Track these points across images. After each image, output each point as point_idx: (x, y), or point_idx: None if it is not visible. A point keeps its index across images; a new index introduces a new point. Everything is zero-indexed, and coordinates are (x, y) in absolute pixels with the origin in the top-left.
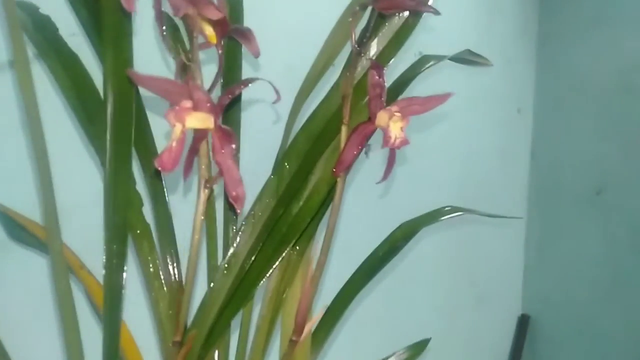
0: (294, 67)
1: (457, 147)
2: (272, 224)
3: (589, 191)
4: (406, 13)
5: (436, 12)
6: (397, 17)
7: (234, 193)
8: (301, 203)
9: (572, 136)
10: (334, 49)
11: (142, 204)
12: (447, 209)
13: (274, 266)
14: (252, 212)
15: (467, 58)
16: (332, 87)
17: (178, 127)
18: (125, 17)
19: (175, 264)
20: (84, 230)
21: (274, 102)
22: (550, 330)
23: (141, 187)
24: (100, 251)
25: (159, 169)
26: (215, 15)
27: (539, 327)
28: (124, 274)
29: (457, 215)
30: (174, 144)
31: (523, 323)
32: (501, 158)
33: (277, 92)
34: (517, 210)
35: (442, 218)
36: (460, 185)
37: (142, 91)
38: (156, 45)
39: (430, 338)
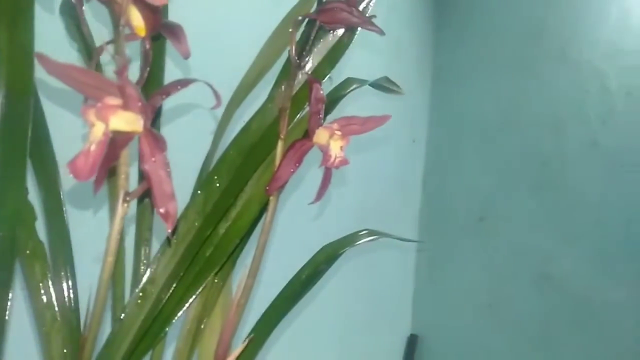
0: (224, 74)
1: (357, 173)
2: (197, 246)
3: (473, 218)
4: (340, 31)
5: (381, 32)
6: (331, 34)
7: (163, 209)
8: (229, 223)
9: (459, 167)
10: (269, 58)
11: (35, 219)
12: (364, 232)
13: (196, 294)
14: (175, 233)
15: (384, 85)
16: (267, 99)
17: (99, 128)
18: None
19: (72, 292)
20: None
21: (213, 108)
22: (437, 349)
23: (34, 197)
24: None
25: (73, 176)
26: (159, 0)
27: (426, 346)
28: (8, 303)
29: (375, 239)
30: (93, 147)
31: (412, 342)
32: (396, 185)
33: (217, 96)
34: (410, 235)
35: (361, 241)
36: (360, 210)
37: (42, 82)
38: (62, 31)
39: None
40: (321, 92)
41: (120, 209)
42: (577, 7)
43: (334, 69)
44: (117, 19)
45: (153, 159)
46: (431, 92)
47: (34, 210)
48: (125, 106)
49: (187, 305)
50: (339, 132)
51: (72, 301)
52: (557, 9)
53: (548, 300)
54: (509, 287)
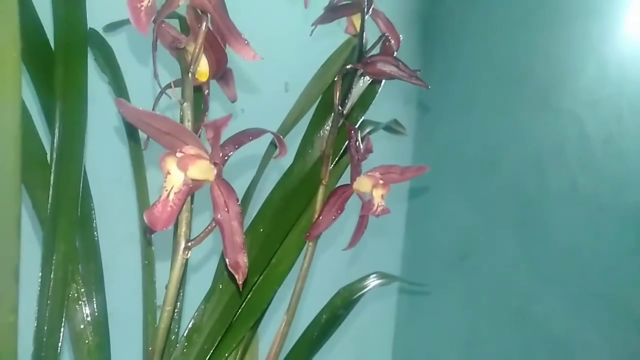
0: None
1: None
2: (243, 294)
3: (455, 257)
4: (367, 78)
5: (425, 86)
6: (362, 80)
7: (234, 261)
8: (269, 268)
9: (443, 205)
10: (309, 101)
11: (78, 262)
12: (374, 275)
13: (238, 343)
14: (220, 276)
15: (393, 127)
16: (306, 143)
17: (177, 176)
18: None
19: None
20: None
21: (276, 158)
22: None
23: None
24: None
25: (149, 225)
26: (251, 57)
27: None
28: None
29: (389, 282)
30: (172, 196)
31: None
32: (380, 224)
33: (283, 146)
34: (393, 269)
35: (375, 284)
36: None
37: None
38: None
39: None
40: (370, 144)
41: (180, 257)
42: (559, 57)
43: (364, 115)
44: (186, 65)
45: (226, 209)
46: (416, 131)
47: (77, 253)
48: (204, 156)
49: (230, 354)
50: (382, 181)
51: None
52: (540, 58)
53: (526, 339)
54: (489, 325)
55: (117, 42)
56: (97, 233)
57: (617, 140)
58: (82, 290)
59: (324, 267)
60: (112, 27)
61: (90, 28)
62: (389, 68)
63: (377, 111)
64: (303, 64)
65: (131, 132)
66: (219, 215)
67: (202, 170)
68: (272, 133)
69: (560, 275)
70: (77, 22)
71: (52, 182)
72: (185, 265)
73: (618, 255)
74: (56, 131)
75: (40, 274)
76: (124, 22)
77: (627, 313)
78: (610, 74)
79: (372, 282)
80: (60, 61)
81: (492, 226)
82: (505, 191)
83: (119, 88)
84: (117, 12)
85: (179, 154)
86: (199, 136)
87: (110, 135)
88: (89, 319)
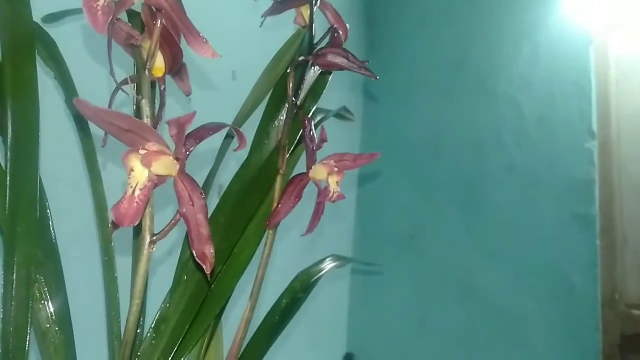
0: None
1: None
2: (207, 283)
3: (404, 237)
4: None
5: (374, 76)
6: (312, 71)
7: (200, 252)
8: (231, 257)
9: (391, 188)
10: (262, 93)
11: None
12: (329, 258)
13: (205, 331)
14: (184, 267)
15: (342, 114)
16: (262, 134)
17: (142, 173)
18: None
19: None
20: None
21: (236, 150)
22: None
23: None
24: None
25: (116, 221)
26: (210, 54)
27: None
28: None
29: (344, 264)
30: (137, 192)
31: None
32: (332, 209)
33: (242, 139)
34: (345, 251)
35: (331, 266)
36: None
37: None
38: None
39: None
40: (325, 133)
41: (146, 250)
42: (494, 43)
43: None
44: (142, 62)
45: (191, 202)
46: (362, 118)
47: (37, 253)
48: (166, 152)
49: (197, 343)
50: (336, 169)
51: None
52: (477, 44)
53: (472, 312)
54: (437, 301)
55: (65, 38)
56: (54, 232)
57: (549, 119)
58: (45, 289)
59: (283, 254)
60: (53, 17)
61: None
62: (339, 60)
63: (326, 100)
64: (251, 52)
65: (82, 127)
66: (184, 209)
67: (165, 165)
68: (232, 127)
69: (501, 250)
70: (23, 20)
71: (8, 185)
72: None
73: (553, 228)
74: (9, 133)
75: (2, 276)
76: (66, 13)
77: (563, 283)
78: (541, 57)
79: (328, 264)
80: (7, 61)
81: (438, 207)
82: (448, 173)
83: (65, 82)
84: (59, 2)
85: (142, 151)
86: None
87: (60, 132)
88: (53, 317)
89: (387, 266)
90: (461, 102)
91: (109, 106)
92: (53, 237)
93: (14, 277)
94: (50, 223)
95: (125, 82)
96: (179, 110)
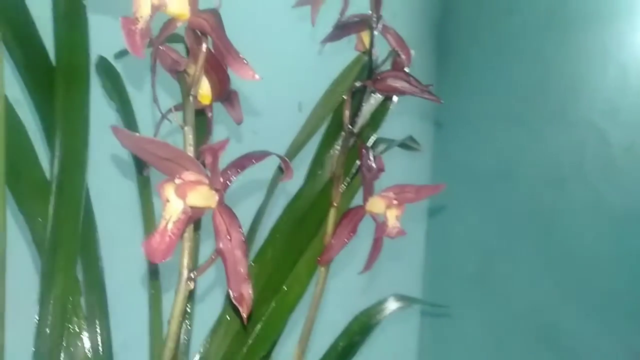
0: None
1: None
2: (252, 324)
3: (476, 275)
4: (378, 95)
5: (438, 101)
6: (373, 97)
7: (237, 293)
8: (279, 295)
9: (462, 222)
10: (319, 121)
11: (80, 294)
12: (392, 298)
13: None
14: (228, 305)
15: (408, 143)
16: (315, 164)
17: (176, 205)
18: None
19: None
20: None
21: (282, 180)
22: None
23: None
24: None
25: (147, 257)
26: (250, 76)
27: None
28: None
29: (408, 305)
30: (170, 225)
31: None
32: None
33: (289, 168)
34: (414, 288)
35: (394, 307)
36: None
37: None
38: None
39: None
40: (382, 162)
41: (183, 288)
42: (574, 66)
43: (377, 133)
44: (187, 88)
45: (228, 237)
46: (433, 148)
47: (79, 284)
48: (204, 182)
49: None
50: (395, 202)
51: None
52: (555, 68)
53: (554, 358)
54: (515, 345)
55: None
56: (101, 263)
57: (639, 148)
58: (84, 324)
59: (337, 293)
60: (124, 53)
61: (99, 55)
62: (399, 84)
63: (392, 128)
64: (316, 82)
65: (138, 160)
66: (221, 244)
67: (202, 196)
68: (277, 155)
69: (585, 291)
70: (79, 46)
71: (51, 212)
72: (193, 294)
73: None
74: (56, 159)
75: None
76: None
77: None
78: (630, 82)
79: (391, 305)
80: (61, 85)
81: (513, 241)
82: (525, 205)
83: (127, 116)
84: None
85: (177, 181)
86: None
87: (119, 164)
88: (90, 354)
89: (459, 306)
90: (538, 130)
91: (155, 136)
92: (100, 268)
93: (50, 310)
94: (99, 253)
95: (170, 110)
96: (242, 143)
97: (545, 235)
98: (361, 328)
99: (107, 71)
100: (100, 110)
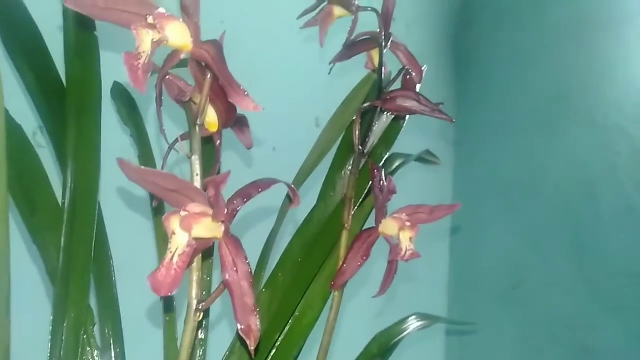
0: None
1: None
2: (263, 353)
3: (505, 289)
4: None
5: (450, 120)
6: (385, 115)
7: (244, 325)
8: (292, 322)
9: (486, 233)
10: (329, 142)
11: (93, 323)
12: (413, 317)
13: None
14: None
15: (425, 157)
16: (327, 186)
17: (181, 237)
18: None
19: None
20: None
21: (290, 207)
22: None
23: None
24: None
25: (153, 291)
26: (252, 108)
27: None
28: None
29: (430, 324)
30: (176, 258)
31: None
32: (418, 262)
33: (296, 195)
34: (439, 307)
35: (415, 326)
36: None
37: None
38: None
39: None
40: (392, 183)
41: (192, 318)
42: (600, 71)
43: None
44: (193, 117)
45: (234, 268)
46: (454, 162)
47: (93, 314)
48: (209, 213)
49: None
50: (408, 223)
51: None
52: (579, 74)
53: None
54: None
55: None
56: (116, 291)
57: None
58: (98, 355)
59: (354, 316)
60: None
61: (114, 81)
62: (409, 103)
63: (410, 145)
64: (332, 96)
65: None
66: (227, 275)
67: (207, 228)
68: (284, 183)
69: (623, 304)
70: (90, 75)
71: (62, 243)
72: (205, 323)
73: None
74: (67, 188)
75: (49, 342)
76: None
77: None
78: None
79: (412, 324)
80: (72, 122)
81: (544, 254)
82: (554, 215)
83: (142, 141)
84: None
85: (182, 213)
86: None
87: (134, 191)
88: None
89: (488, 323)
90: (564, 137)
91: (162, 166)
92: (114, 294)
93: (63, 341)
94: (113, 280)
95: (176, 140)
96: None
97: (577, 246)
98: (380, 350)
99: (122, 97)
100: (115, 136)
